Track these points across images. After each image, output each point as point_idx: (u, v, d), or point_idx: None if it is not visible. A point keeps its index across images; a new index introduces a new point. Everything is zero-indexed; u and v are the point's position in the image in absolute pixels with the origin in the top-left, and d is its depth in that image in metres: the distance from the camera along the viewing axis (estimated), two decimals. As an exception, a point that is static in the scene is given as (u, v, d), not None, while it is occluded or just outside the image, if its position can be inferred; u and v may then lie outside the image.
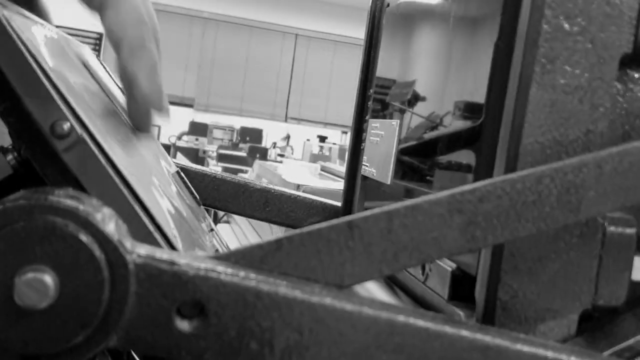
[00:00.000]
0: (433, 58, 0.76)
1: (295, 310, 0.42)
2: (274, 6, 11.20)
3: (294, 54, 11.50)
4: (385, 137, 0.85)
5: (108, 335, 0.40)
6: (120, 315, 0.40)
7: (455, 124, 0.67)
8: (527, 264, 0.53)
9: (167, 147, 10.27)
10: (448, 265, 0.61)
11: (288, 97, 11.47)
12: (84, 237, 0.39)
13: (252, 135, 9.57)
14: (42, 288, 0.38)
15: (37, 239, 0.38)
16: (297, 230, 0.45)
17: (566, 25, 0.52)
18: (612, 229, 0.54)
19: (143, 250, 0.41)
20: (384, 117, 0.90)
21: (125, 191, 0.46)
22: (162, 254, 0.41)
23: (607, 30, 0.52)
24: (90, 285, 0.39)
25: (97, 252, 0.39)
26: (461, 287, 0.59)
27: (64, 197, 0.39)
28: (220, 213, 3.91)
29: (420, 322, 0.43)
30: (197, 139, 9.24)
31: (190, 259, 0.42)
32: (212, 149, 8.87)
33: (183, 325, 0.41)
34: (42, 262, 0.38)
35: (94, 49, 9.95)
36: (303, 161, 7.50)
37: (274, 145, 9.26)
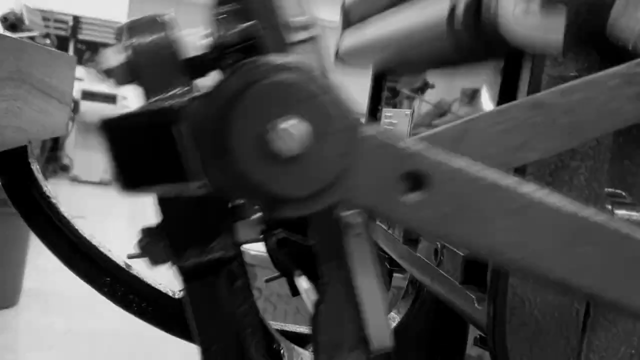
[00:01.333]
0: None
1: (509, 196, 0.44)
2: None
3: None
4: (398, 126, 0.85)
5: (339, 191, 0.42)
6: (352, 177, 0.42)
7: (463, 110, 0.67)
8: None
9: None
10: (461, 251, 0.61)
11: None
12: (327, 97, 0.41)
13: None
14: (293, 137, 0.40)
15: (291, 93, 0.41)
16: (482, 113, 0.47)
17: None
18: (618, 212, 0.54)
19: (371, 125, 0.44)
20: (395, 105, 0.90)
21: None
22: (386, 130, 0.45)
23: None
24: (331, 146, 0.41)
25: (340, 118, 0.41)
26: (473, 271, 0.59)
27: (316, 68, 0.43)
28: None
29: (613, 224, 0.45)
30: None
31: (411, 139, 0.45)
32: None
33: (405, 196, 0.44)
34: (293, 114, 0.41)
35: (116, 38, 9.93)
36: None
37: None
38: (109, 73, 0.53)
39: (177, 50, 0.54)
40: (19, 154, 0.96)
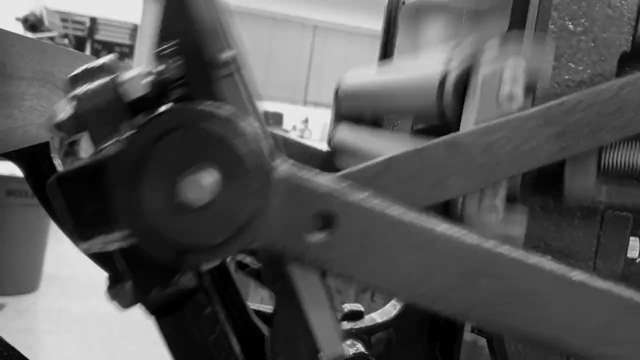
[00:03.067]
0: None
1: (413, 233, 0.43)
2: (294, 0, 11.15)
3: (312, 44, 11.43)
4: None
5: (252, 236, 0.41)
6: (263, 221, 0.41)
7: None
8: (533, 242, 0.53)
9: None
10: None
11: (307, 83, 11.43)
12: (241, 148, 0.40)
13: (274, 118, 9.54)
14: (202, 187, 0.39)
15: (201, 143, 0.39)
16: (402, 152, 0.46)
17: (571, 26, 0.51)
18: (609, 212, 0.54)
19: (286, 166, 0.42)
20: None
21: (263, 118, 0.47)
22: (301, 171, 0.42)
23: (608, 31, 0.52)
24: (241, 191, 0.40)
25: (251, 162, 0.40)
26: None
27: (226, 111, 0.40)
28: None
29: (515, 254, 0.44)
30: (224, 122, 9.24)
31: (322, 178, 0.43)
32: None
33: (314, 235, 0.42)
34: (203, 164, 0.39)
35: (131, 38, 9.95)
36: (321, 142, 7.49)
37: (294, 127, 9.22)
38: (59, 127, 0.51)
39: (121, 93, 0.51)
40: (42, 149, 0.96)
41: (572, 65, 0.52)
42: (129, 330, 3.55)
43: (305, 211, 0.42)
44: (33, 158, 0.96)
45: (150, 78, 0.54)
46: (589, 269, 0.54)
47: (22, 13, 5.73)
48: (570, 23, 0.51)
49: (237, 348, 0.59)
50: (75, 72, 0.51)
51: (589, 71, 0.52)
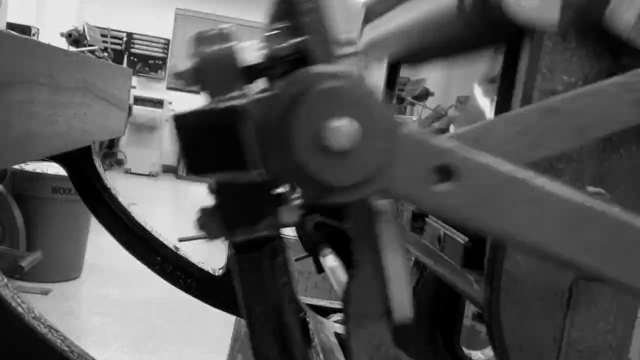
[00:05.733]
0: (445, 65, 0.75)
1: (523, 187, 0.44)
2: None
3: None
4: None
5: (380, 181, 0.42)
6: (391, 169, 0.42)
7: (457, 114, 0.66)
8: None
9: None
10: (461, 238, 0.61)
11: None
12: (372, 101, 0.42)
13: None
14: (344, 135, 0.41)
15: (342, 98, 0.41)
16: (501, 116, 0.49)
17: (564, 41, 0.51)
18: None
19: (408, 125, 0.43)
20: (400, 111, 0.90)
21: None
22: (421, 130, 0.44)
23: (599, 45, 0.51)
24: (375, 143, 0.42)
25: (382, 116, 0.42)
26: (472, 257, 0.59)
27: (362, 77, 0.43)
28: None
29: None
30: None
31: (440, 136, 0.45)
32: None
33: (436, 186, 0.44)
34: (344, 115, 0.41)
35: (163, 52, 9.97)
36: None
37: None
38: (179, 76, 0.54)
39: (237, 58, 0.55)
40: (85, 152, 0.97)
41: (565, 78, 0.51)
42: (163, 313, 3.56)
43: (428, 164, 0.43)
44: (76, 160, 0.97)
45: (264, 50, 0.58)
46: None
47: (66, 29, 5.77)
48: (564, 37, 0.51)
49: (298, 297, 0.62)
50: (199, 32, 0.55)
51: (580, 83, 0.51)
